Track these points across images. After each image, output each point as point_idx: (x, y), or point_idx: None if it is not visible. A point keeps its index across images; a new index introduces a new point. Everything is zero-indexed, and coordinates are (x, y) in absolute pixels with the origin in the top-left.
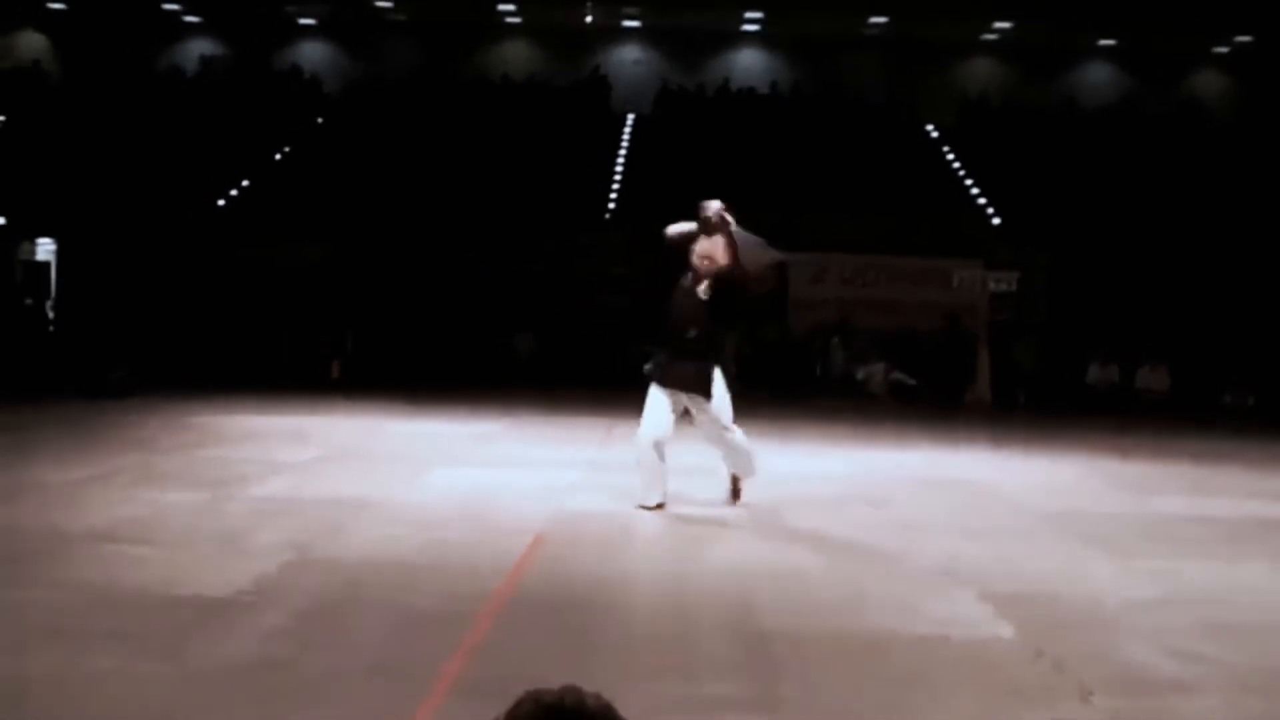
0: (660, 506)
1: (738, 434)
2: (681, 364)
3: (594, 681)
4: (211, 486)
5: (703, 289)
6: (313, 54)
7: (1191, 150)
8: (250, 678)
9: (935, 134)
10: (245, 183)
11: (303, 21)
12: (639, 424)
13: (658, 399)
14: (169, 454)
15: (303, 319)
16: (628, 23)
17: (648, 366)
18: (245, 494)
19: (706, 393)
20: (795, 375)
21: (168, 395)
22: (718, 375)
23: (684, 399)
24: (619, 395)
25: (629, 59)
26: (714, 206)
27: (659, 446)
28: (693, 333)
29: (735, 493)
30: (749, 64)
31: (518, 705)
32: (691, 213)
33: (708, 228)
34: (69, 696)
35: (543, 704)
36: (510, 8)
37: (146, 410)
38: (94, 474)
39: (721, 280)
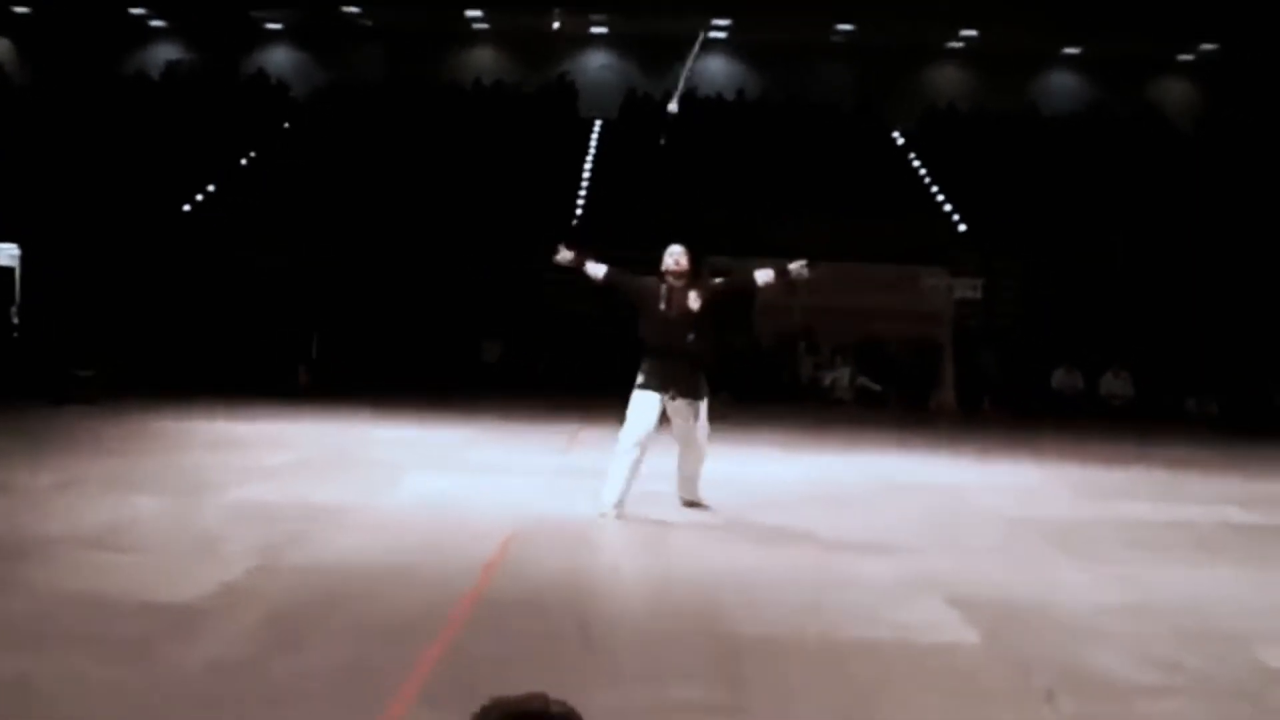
0: (619, 512)
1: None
2: (675, 367)
3: (561, 687)
4: (182, 492)
5: (693, 299)
6: (280, 59)
7: (1156, 157)
8: (215, 682)
9: (901, 141)
10: (211, 188)
11: (270, 27)
12: (621, 429)
13: (642, 403)
14: (139, 459)
15: (269, 324)
16: (595, 29)
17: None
18: (215, 500)
19: (698, 394)
20: (762, 381)
21: (135, 401)
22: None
23: (670, 401)
24: (585, 401)
25: (596, 65)
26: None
27: (641, 449)
28: (691, 337)
29: (694, 502)
30: (716, 71)
31: (483, 713)
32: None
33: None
34: (35, 701)
35: (507, 711)
36: (478, 14)
37: (115, 416)
38: (63, 479)
39: (716, 293)
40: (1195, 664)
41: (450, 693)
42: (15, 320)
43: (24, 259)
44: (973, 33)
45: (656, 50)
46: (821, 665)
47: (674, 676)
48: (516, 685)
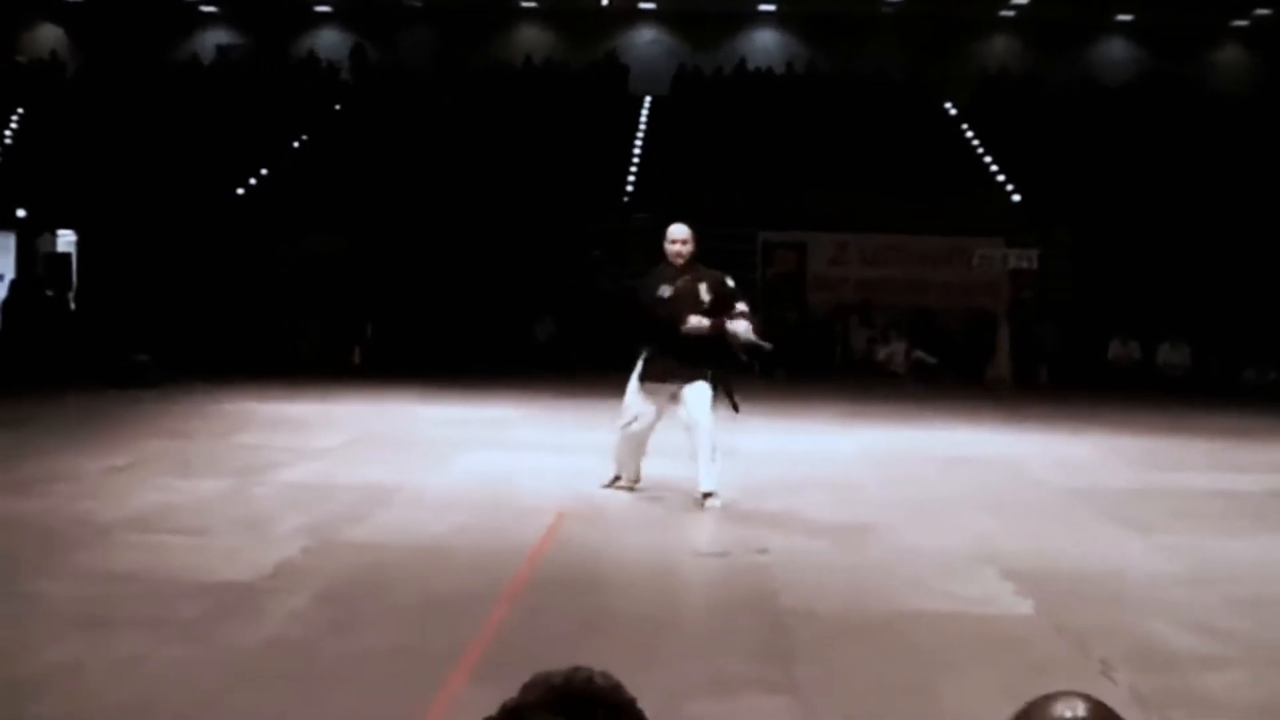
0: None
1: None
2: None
3: (614, 663)
4: (239, 473)
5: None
6: (330, 41)
7: (1211, 124)
8: (272, 662)
9: (954, 112)
10: (264, 171)
11: (319, 9)
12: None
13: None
14: (197, 442)
15: (323, 306)
16: (644, 5)
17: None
18: (272, 480)
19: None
20: (816, 355)
21: (192, 383)
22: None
23: (670, 389)
24: None
25: (645, 40)
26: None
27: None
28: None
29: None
30: (765, 44)
31: (527, 688)
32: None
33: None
34: (98, 683)
35: (551, 685)
36: None
37: (172, 399)
38: (121, 463)
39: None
40: (1252, 633)
41: (504, 670)
42: (73, 305)
43: (80, 245)
44: (1024, 1)
45: (706, 24)
46: (877, 638)
47: (729, 651)
48: (569, 662)
